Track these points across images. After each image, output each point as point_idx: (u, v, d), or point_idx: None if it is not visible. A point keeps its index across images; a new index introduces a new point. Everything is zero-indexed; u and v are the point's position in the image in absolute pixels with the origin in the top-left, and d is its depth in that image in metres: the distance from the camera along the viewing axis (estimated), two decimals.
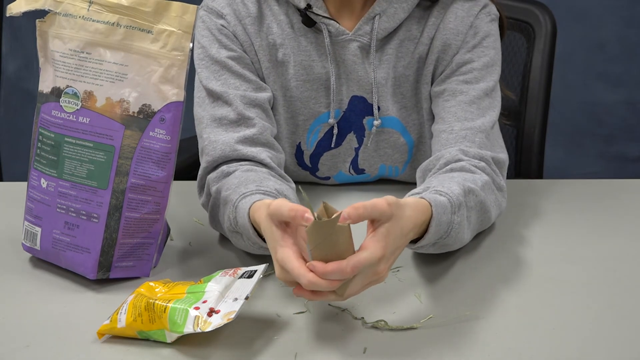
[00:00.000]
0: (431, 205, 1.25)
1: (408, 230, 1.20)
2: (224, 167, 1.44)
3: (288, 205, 1.15)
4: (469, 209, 1.34)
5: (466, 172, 1.40)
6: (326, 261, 1.12)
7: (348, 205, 1.14)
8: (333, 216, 1.12)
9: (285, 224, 1.17)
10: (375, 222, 1.16)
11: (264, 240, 1.28)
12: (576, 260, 1.39)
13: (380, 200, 1.15)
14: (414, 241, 1.27)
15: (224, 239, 1.46)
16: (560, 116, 3.16)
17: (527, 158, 1.93)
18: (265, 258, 1.35)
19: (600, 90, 3.29)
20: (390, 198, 1.16)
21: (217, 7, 1.53)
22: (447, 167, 1.42)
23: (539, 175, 1.93)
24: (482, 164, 1.44)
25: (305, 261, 1.14)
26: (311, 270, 1.12)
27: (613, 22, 3.24)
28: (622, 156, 3.33)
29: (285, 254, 1.15)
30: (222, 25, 1.53)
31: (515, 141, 1.94)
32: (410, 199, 1.24)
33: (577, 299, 1.28)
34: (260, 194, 1.31)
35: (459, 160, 1.43)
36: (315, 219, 1.11)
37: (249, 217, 1.28)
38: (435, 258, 1.38)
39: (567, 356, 1.14)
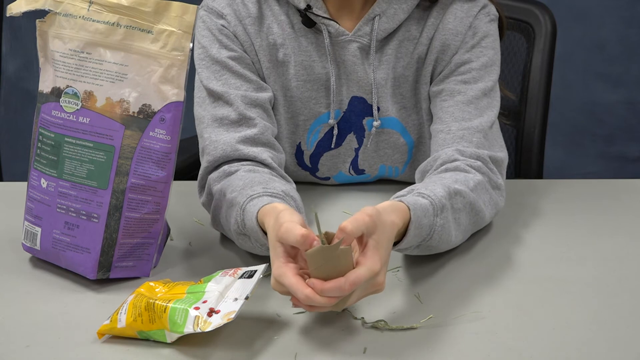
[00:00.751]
0: (409, 209, 1.26)
1: (393, 236, 1.21)
2: (226, 167, 1.44)
3: (297, 231, 1.15)
4: (456, 211, 1.34)
5: (460, 171, 1.41)
6: (326, 280, 1.13)
7: (348, 206, 1.13)
8: (335, 241, 1.13)
9: (290, 246, 1.18)
10: (362, 236, 1.17)
11: None
12: (576, 260, 1.39)
13: (360, 215, 1.16)
14: (395, 243, 1.28)
15: (224, 239, 1.46)
16: (560, 116, 3.16)
17: (527, 158, 1.93)
18: (266, 258, 1.35)
19: (600, 90, 3.29)
20: (368, 209, 1.17)
21: (218, 7, 1.53)
22: (443, 168, 1.43)
23: (539, 175, 1.93)
24: (478, 163, 1.44)
25: (303, 277, 1.15)
26: (310, 287, 1.13)
27: (613, 22, 3.24)
28: (622, 156, 3.33)
29: (282, 270, 1.15)
30: (223, 26, 1.53)
31: (515, 141, 1.94)
32: (386, 203, 1.25)
33: (577, 299, 1.28)
34: (267, 197, 1.31)
35: (455, 160, 1.43)
36: (320, 244, 1.12)
37: (257, 220, 1.28)
38: (435, 258, 1.38)
39: (567, 356, 1.14)
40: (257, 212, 1.28)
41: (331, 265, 1.13)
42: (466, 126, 1.48)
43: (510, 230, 1.49)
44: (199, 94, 1.53)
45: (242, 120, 1.48)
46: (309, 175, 1.63)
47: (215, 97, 1.50)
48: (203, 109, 1.51)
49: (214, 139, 1.47)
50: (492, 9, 1.56)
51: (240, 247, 1.38)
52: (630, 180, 1.73)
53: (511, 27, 1.93)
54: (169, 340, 1.16)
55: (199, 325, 1.13)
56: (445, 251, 1.39)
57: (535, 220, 1.53)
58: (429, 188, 1.33)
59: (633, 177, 3.19)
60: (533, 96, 1.92)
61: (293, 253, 1.18)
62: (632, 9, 3.23)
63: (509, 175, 1.66)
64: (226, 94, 1.49)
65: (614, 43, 3.26)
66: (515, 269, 1.37)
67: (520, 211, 1.56)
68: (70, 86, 1.32)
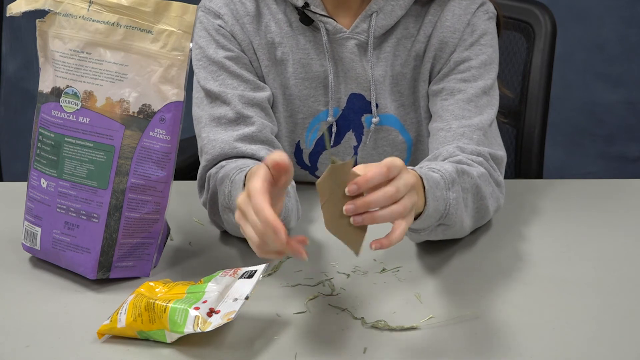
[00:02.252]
0: (422, 178, 1.25)
1: (401, 164, 1.15)
2: (224, 163, 1.45)
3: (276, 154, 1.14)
4: (465, 191, 1.34)
5: (463, 164, 1.41)
6: (336, 223, 1.10)
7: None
8: (347, 161, 1.11)
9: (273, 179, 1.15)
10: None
11: None
12: (576, 261, 1.39)
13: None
14: (415, 219, 1.26)
15: (224, 239, 1.46)
16: (560, 116, 3.16)
17: (526, 158, 1.93)
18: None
19: (600, 90, 3.29)
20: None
21: (215, 8, 1.53)
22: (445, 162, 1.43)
23: (539, 175, 1.93)
24: (480, 159, 1.44)
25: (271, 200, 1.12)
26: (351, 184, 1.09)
27: (613, 22, 3.24)
28: (622, 156, 3.33)
29: (258, 184, 1.12)
30: (220, 26, 1.53)
31: (515, 141, 1.94)
32: None
33: (577, 299, 1.28)
34: None
35: (456, 155, 1.43)
36: (332, 163, 1.10)
37: (245, 185, 1.28)
38: (435, 257, 1.38)
39: (567, 356, 1.15)
40: (245, 176, 1.28)
41: (341, 194, 1.10)
42: (466, 124, 1.48)
43: (510, 230, 1.49)
44: (196, 94, 1.53)
45: (240, 119, 1.48)
46: (308, 174, 1.63)
47: (213, 97, 1.50)
48: (201, 109, 1.51)
49: (212, 138, 1.47)
50: (490, 7, 1.56)
51: (226, 227, 1.39)
52: (630, 180, 1.73)
53: (511, 27, 1.93)
54: (169, 340, 1.16)
55: (199, 325, 1.13)
56: (445, 251, 1.39)
57: (535, 220, 1.53)
58: (438, 164, 1.33)
59: (633, 177, 3.19)
60: (533, 96, 1.92)
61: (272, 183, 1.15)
62: (632, 9, 3.23)
63: (509, 175, 1.66)
64: (223, 94, 1.50)
65: (614, 43, 3.26)
66: (515, 268, 1.37)
67: (520, 211, 1.56)
68: (70, 86, 1.32)
